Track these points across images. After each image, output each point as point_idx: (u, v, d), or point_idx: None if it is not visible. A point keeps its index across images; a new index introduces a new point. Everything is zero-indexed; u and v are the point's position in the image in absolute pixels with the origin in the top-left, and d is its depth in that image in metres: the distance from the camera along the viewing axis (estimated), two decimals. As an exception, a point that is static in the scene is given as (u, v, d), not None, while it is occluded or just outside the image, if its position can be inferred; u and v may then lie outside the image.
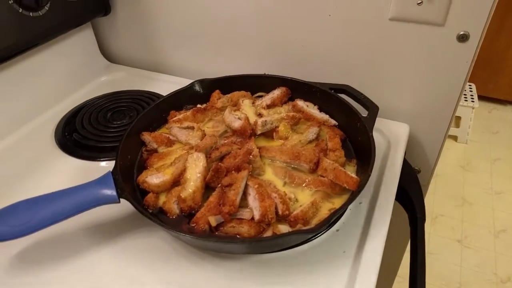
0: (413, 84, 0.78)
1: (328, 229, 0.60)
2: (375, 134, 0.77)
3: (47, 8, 0.81)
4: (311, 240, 0.59)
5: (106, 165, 0.75)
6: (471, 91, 2.51)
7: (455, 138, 2.54)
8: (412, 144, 0.84)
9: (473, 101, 2.40)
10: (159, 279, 0.55)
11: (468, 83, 2.78)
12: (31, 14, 0.78)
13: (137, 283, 0.55)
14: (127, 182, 0.60)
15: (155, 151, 0.70)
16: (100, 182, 0.58)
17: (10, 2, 0.73)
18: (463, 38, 0.69)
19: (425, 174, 0.89)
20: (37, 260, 0.58)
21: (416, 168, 0.87)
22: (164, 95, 0.79)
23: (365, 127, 0.66)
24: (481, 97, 2.67)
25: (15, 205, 0.55)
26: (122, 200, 0.57)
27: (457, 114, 2.48)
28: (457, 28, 0.68)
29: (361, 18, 0.75)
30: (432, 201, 2.13)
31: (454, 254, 1.84)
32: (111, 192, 0.56)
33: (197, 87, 0.79)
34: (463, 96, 2.55)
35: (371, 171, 0.58)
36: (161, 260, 0.57)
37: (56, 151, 0.78)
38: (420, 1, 0.67)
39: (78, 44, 0.98)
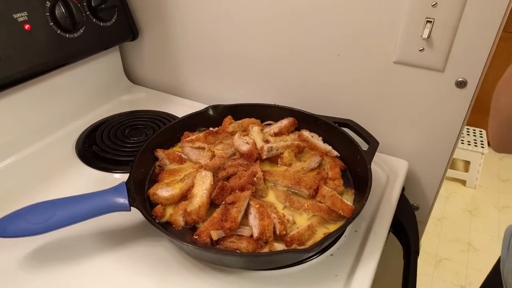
0: (413, 124, 0.82)
1: (323, 253, 0.63)
2: (376, 168, 0.82)
3: (82, 31, 0.89)
4: (305, 262, 0.62)
5: (119, 177, 0.80)
6: (481, 136, 2.53)
7: (463, 182, 2.54)
8: (411, 181, 0.88)
9: (482, 147, 2.42)
10: (158, 286, 0.59)
11: (479, 129, 2.74)
12: (67, 35, 0.86)
13: (138, 288, 0.59)
14: (138, 193, 0.65)
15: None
16: (114, 190, 0.63)
17: (50, 24, 0.82)
18: (461, 84, 0.73)
19: (423, 211, 0.91)
20: (47, 259, 0.62)
21: (415, 204, 0.90)
22: (180, 116, 0.85)
23: (364, 159, 0.70)
24: (492, 144, 2.67)
25: (35, 205, 0.60)
26: (132, 209, 0.61)
27: (466, 159, 2.50)
28: (455, 74, 0.73)
29: (367, 59, 0.80)
30: (437, 244, 2.11)
31: (457, 300, 1.82)
32: (123, 200, 0.61)
33: (211, 112, 0.85)
34: (473, 141, 2.51)
35: (366, 200, 0.61)
36: (162, 268, 0.61)
37: (76, 161, 0.84)
38: (421, 48, 0.73)
39: (105, 65, 1.06)
